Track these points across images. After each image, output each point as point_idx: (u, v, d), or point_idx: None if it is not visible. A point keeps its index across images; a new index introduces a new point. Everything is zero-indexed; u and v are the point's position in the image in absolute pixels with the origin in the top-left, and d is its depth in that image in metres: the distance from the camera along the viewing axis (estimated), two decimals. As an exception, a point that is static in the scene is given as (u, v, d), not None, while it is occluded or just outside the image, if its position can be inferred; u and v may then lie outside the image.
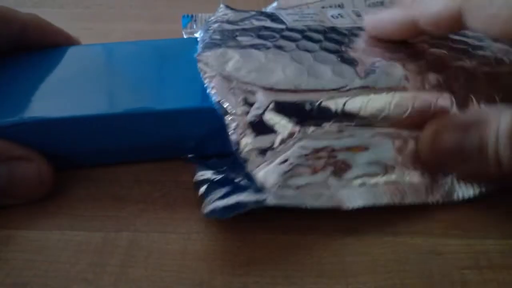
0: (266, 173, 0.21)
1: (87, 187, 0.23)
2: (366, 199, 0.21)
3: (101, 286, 0.19)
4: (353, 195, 0.21)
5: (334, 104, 0.22)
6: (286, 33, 0.25)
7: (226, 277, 0.19)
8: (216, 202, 0.20)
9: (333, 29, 0.26)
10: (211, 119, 0.22)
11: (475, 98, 0.23)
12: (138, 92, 0.23)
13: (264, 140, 0.21)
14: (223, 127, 0.21)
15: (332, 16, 0.27)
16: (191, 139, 0.23)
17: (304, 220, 0.21)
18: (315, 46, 0.24)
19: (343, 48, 0.24)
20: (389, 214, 0.21)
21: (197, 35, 0.27)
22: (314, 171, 0.21)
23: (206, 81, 0.22)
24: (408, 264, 0.19)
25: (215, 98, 0.22)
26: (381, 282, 0.19)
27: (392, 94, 0.22)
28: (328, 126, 0.22)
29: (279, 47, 0.24)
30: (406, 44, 0.25)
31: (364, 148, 0.22)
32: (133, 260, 0.19)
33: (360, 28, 0.26)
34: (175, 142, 0.23)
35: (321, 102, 0.22)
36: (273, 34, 0.25)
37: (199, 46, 0.25)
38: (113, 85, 0.23)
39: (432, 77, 0.23)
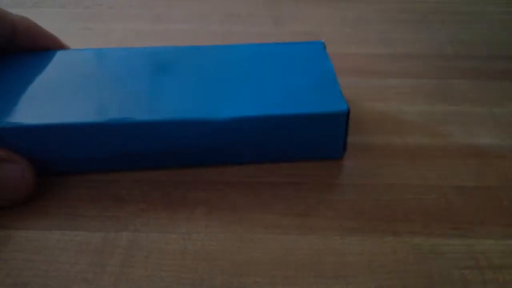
0: None
1: (87, 187, 0.23)
2: None
3: (101, 286, 0.19)
4: None
5: None
6: None
7: (226, 277, 0.19)
8: None
9: None
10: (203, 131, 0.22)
11: None
12: (126, 101, 0.22)
13: None
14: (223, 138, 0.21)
15: None
16: (191, 149, 0.23)
17: (304, 220, 0.21)
18: None
19: None
20: (389, 214, 0.21)
21: None
22: None
23: None
24: (408, 264, 0.19)
25: None
26: (381, 282, 0.19)
27: None
28: None
29: None
30: None
31: None
32: (133, 260, 0.20)
33: None
34: (168, 153, 0.23)
35: None
36: None
37: None
38: (102, 92, 0.23)
39: None
